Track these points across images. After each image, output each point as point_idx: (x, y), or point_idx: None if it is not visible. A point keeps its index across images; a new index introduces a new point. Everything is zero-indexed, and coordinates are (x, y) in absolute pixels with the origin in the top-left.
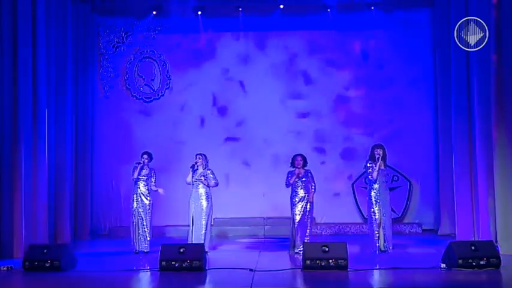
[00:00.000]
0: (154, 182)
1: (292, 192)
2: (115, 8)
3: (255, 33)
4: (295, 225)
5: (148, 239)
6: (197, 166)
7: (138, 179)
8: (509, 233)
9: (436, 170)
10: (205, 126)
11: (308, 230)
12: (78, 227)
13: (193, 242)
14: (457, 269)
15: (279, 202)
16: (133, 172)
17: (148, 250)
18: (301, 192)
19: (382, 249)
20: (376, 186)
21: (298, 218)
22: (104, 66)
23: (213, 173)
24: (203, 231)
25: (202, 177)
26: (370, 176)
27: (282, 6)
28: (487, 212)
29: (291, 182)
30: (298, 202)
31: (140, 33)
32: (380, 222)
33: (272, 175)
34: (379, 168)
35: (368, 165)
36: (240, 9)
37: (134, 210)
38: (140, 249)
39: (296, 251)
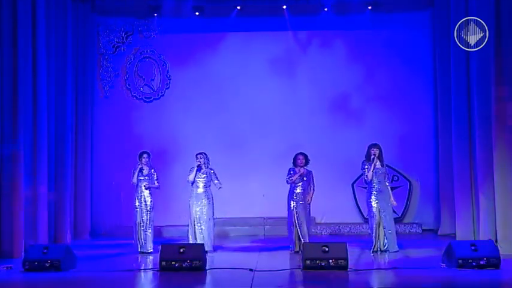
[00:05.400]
0: (157, 181)
1: (290, 192)
2: (115, 8)
3: (255, 33)
4: (297, 226)
5: (151, 239)
6: (200, 166)
7: (139, 180)
8: (509, 233)
9: (436, 170)
10: (205, 126)
11: (307, 230)
12: (78, 227)
13: (196, 242)
14: (457, 269)
15: (279, 202)
16: (132, 176)
17: (152, 250)
18: (300, 192)
19: (382, 249)
20: (375, 185)
21: (297, 217)
22: (104, 66)
23: (215, 173)
24: (207, 231)
25: (210, 172)
26: (365, 176)
27: (284, 7)
28: (487, 212)
29: (293, 179)
30: (297, 202)
31: (140, 33)
32: (379, 222)
33: (272, 175)
34: (373, 168)
35: (366, 167)
36: (239, 7)
37: (137, 211)
38: (144, 250)
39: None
